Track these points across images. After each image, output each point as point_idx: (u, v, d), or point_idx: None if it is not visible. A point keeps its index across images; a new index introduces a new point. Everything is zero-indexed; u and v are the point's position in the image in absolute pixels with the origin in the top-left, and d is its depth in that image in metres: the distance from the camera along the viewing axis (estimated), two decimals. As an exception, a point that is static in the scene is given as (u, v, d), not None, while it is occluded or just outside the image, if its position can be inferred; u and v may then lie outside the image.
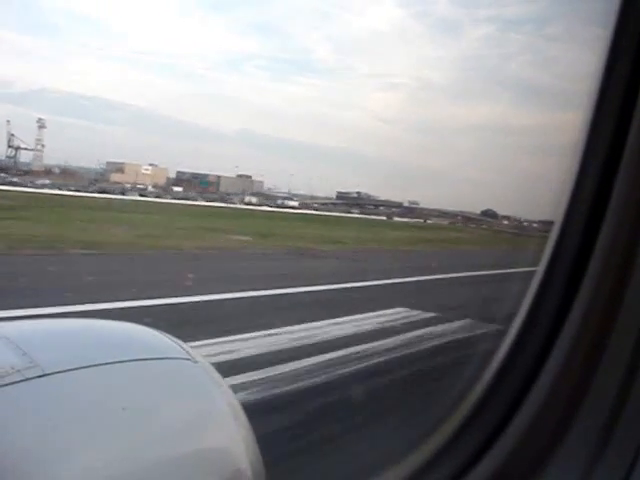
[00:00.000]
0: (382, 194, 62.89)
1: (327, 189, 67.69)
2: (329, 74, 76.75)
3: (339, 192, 67.31)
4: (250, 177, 65.15)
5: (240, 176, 65.00)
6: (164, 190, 57.10)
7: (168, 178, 65.29)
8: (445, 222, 56.18)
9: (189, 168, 65.37)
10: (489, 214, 52.72)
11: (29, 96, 75.15)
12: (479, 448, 1.40)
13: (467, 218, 55.35)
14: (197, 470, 0.87)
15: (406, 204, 63.85)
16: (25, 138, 60.20)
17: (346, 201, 68.38)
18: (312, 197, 68.79)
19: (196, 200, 48.78)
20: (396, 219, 54.95)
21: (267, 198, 58.72)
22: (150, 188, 58.56)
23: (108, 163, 62.42)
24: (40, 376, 0.82)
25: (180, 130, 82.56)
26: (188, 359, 0.96)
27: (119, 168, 62.23)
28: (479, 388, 1.49)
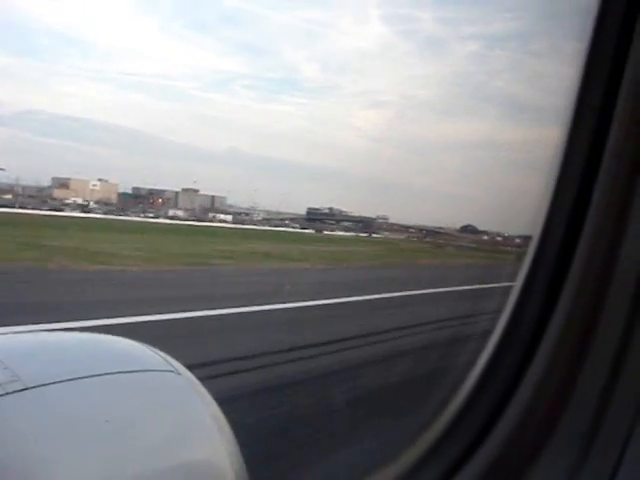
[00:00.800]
0: (359, 210, 62.08)
1: (303, 206, 65.62)
2: (316, 93, 76.36)
3: (309, 208, 66.95)
4: (197, 191, 63.20)
5: (186, 190, 62.93)
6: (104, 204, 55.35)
7: (119, 194, 63.41)
8: (402, 236, 54.84)
9: (155, 185, 63.58)
10: (469, 230, 52.03)
11: (15, 118, 75.37)
12: (465, 451, 1.44)
13: (433, 232, 54.99)
14: None
15: (380, 220, 62.65)
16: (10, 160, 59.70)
17: (314, 217, 66.09)
18: (278, 212, 66.69)
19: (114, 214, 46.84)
20: (338, 233, 52.20)
21: (205, 212, 56.53)
22: (92, 204, 56.74)
23: (53, 179, 60.98)
24: (22, 390, 0.82)
25: (169, 150, 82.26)
26: (171, 371, 0.96)
27: (63, 184, 60.67)
28: (462, 394, 1.52)
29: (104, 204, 58.72)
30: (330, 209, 66.78)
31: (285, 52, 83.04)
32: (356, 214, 64.23)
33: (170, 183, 65.57)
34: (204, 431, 0.93)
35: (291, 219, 65.93)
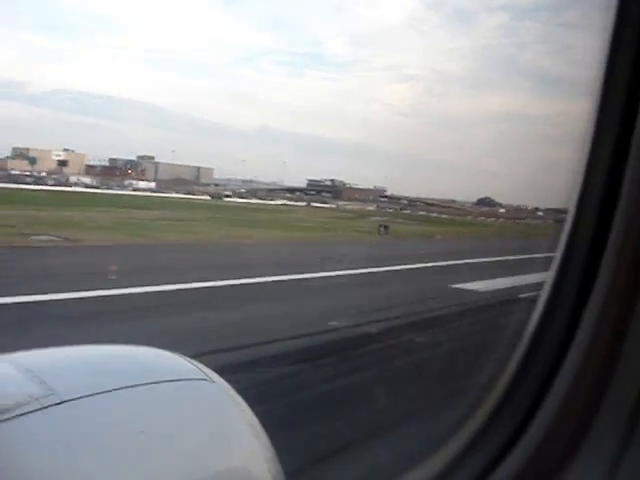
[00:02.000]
0: (366, 183, 63.66)
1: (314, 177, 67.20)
2: (344, 67, 74.27)
3: (310, 180, 67.62)
4: (152, 158, 60.09)
5: (142, 157, 59.72)
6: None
7: (87, 165, 60.73)
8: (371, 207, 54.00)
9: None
10: (486, 202, 53.29)
11: (43, 96, 76.38)
12: (503, 445, 1.42)
13: (422, 204, 54.68)
14: None
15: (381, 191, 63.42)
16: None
17: (317, 188, 66.31)
18: (269, 183, 64.86)
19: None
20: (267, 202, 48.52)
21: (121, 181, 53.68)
22: (42, 174, 54.34)
23: (14, 149, 59.04)
24: (58, 403, 0.83)
25: (194, 126, 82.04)
26: (205, 379, 0.97)
27: (21, 154, 58.46)
28: (497, 390, 1.51)
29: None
30: (332, 181, 66.02)
31: (312, 26, 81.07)
32: (361, 187, 64.04)
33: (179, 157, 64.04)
34: (241, 438, 0.94)
35: (269, 190, 62.78)
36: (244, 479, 0.90)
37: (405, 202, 57.89)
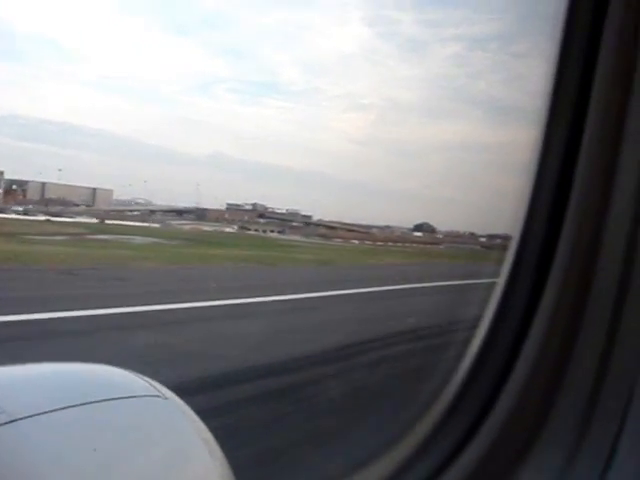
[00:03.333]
0: (297, 209, 61.57)
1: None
2: (299, 96, 69.51)
3: (228, 203, 66.76)
4: (2, 173, 54.54)
5: None
6: None
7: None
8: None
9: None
10: (423, 228, 53.39)
11: None
12: (455, 447, 1.43)
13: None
14: None
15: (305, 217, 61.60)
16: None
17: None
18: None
19: None
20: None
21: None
22: None
23: None
24: (7, 422, 0.80)
25: (150, 154, 77.61)
26: (158, 396, 0.95)
27: None
28: (450, 389, 1.52)
29: None
30: (254, 205, 66.32)
31: (266, 55, 76.29)
32: (283, 211, 63.45)
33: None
34: (195, 455, 0.92)
35: (151, 211, 56.71)
36: None
37: (297, 224, 52.04)
